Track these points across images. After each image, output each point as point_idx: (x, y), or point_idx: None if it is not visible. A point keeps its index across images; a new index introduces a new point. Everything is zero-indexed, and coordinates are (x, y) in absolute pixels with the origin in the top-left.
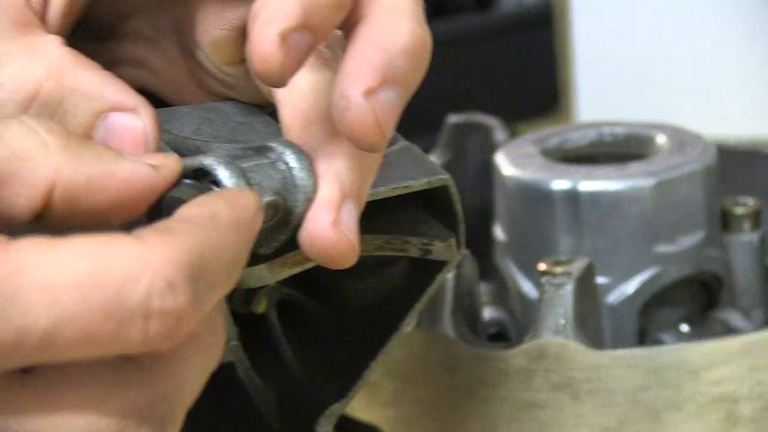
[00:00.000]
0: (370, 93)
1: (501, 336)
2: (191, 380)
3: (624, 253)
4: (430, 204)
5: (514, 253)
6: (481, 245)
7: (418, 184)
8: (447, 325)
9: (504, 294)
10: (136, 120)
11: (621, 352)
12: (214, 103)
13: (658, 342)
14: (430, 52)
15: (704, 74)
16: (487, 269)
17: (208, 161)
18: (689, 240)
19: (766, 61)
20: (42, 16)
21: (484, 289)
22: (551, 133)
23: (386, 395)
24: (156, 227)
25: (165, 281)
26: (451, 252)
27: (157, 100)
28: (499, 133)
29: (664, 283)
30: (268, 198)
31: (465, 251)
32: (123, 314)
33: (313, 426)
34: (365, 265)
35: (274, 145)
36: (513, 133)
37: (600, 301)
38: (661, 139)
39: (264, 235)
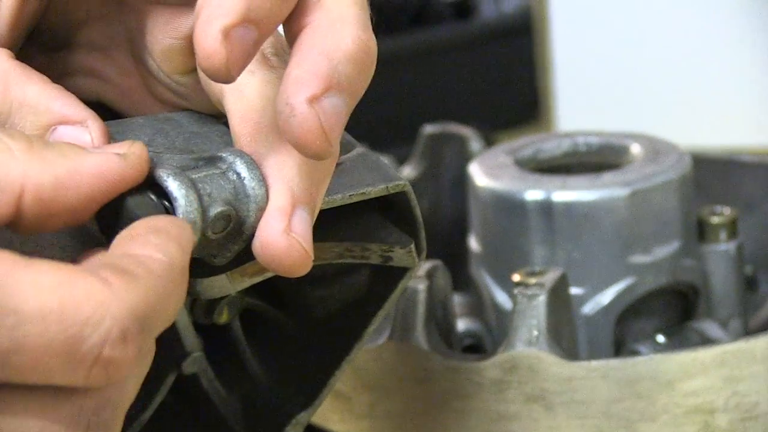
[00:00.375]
0: (313, 100)
1: (476, 347)
2: (130, 387)
3: (599, 263)
4: (389, 210)
5: (489, 264)
6: (457, 256)
7: (375, 190)
8: (420, 336)
9: (479, 305)
10: (84, 133)
11: (595, 363)
12: (169, 114)
13: (635, 353)
14: (375, 58)
15: (684, 84)
16: (464, 280)
17: (158, 173)
18: (665, 250)
19: (744, 71)
20: None
21: (459, 300)
22: (525, 143)
23: (360, 407)
24: (119, 268)
25: (120, 331)
26: (411, 258)
27: (111, 112)
28: (475, 144)
29: (639, 294)
30: (219, 208)
31: (438, 262)
32: (76, 355)
33: None
34: (327, 273)
35: (224, 155)
36: (493, 143)
37: (574, 312)
38: (635, 149)
39: (217, 246)
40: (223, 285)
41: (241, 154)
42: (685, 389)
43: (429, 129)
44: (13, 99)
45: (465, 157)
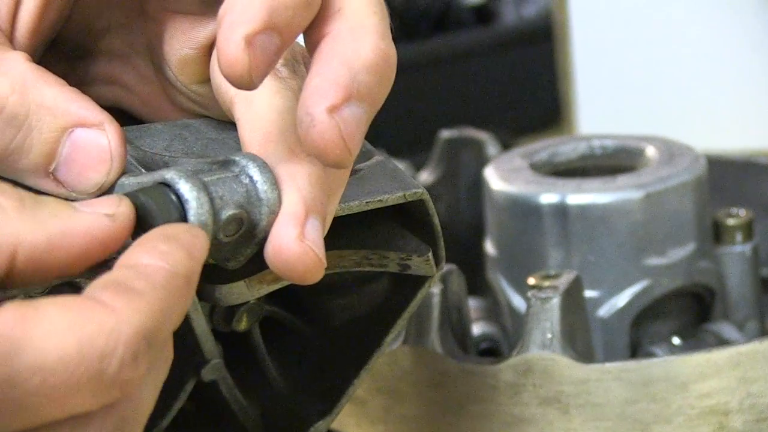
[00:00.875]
0: (334, 109)
1: (493, 351)
2: (147, 398)
3: (614, 266)
4: (408, 219)
5: (504, 267)
6: (474, 260)
7: (392, 198)
8: (434, 340)
9: (496, 309)
10: (101, 136)
11: (609, 366)
12: (187, 120)
13: (651, 355)
14: (395, 67)
15: (704, 87)
16: (481, 284)
17: (169, 175)
18: (680, 252)
19: (762, 75)
20: (9, 35)
21: (476, 304)
22: (541, 146)
23: (375, 412)
24: (122, 286)
25: (132, 354)
26: (429, 266)
27: (131, 118)
28: (492, 148)
29: (655, 296)
30: (231, 211)
31: (452, 266)
32: (100, 386)
33: None
34: (347, 282)
35: (237, 158)
36: (511, 148)
37: (589, 315)
38: (650, 152)
39: (230, 250)
40: (242, 292)
41: (254, 158)
42: (700, 391)
43: (446, 134)
44: (32, 101)
45: (482, 162)
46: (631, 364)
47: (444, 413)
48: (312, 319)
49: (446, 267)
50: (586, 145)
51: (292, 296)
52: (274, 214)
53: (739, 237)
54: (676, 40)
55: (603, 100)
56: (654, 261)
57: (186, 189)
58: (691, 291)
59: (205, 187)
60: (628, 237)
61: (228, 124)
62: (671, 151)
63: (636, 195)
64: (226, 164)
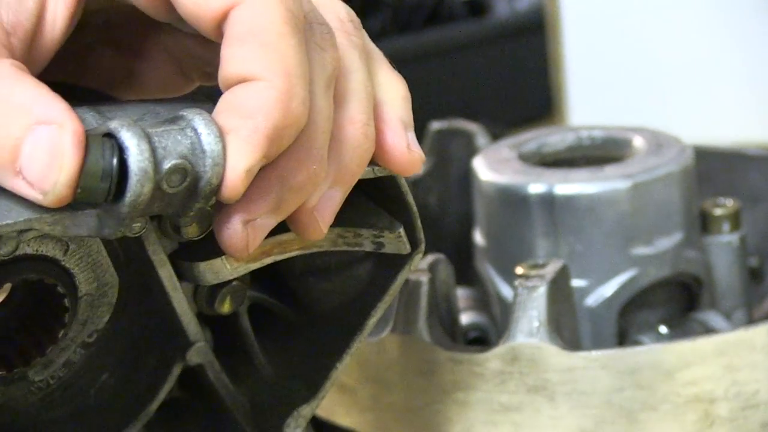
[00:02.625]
0: (248, 223)
1: (482, 340)
2: None
3: (601, 255)
4: (384, 200)
5: (493, 257)
6: (465, 251)
7: (365, 171)
8: (422, 329)
9: (485, 298)
10: (57, 134)
11: (595, 354)
12: (166, 98)
13: (638, 344)
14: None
15: (694, 79)
16: (472, 275)
17: (113, 125)
18: (667, 242)
19: (752, 67)
20: (9, 45)
21: (465, 293)
22: (529, 137)
23: (364, 400)
24: None
25: None
26: (402, 243)
27: None
28: (481, 139)
29: (642, 285)
30: (174, 161)
31: (441, 256)
32: None
33: (282, 428)
34: (330, 266)
35: (185, 113)
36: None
37: (577, 304)
38: (638, 142)
39: (178, 203)
40: (221, 269)
41: (201, 113)
42: (685, 378)
43: (436, 125)
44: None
45: (472, 153)
46: (617, 352)
47: (431, 401)
48: (297, 304)
49: (434, 256)
50: (574, 135)
51: (277, 282)
52: (218, 165)
53: (726, 227)
54: (666, 33)
55: (594, 93)
56: (641, 250)
57: (127, 137)
58: (678, 280)
59: (147, 136)
60: (615, 227)
61: (208, 102)
62: (659, 141)
63: (623, 185)
64: (174, 119)
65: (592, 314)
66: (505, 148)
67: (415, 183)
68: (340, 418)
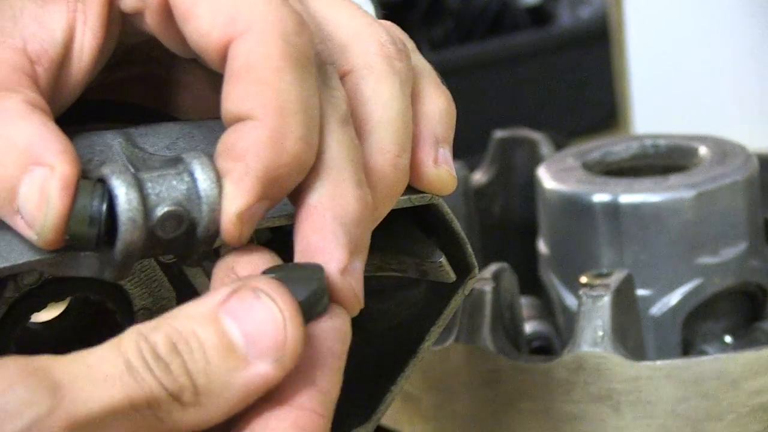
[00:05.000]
0: (345, 271)
1: (545, 350)
2: None
3: (666, 265)
4: (434, 227)
5: (557, 266)
6: (527, 259)
7: (400, 200)
8: (486, 338)
9: (549, 307)
10: (46, 177)
11: (660, 363)
12: (207, 120)
13: (702, 354)
14: (372, 210)
15: (760, 87)
16: (534, 283)
17: (105, 170)
18: (732, 251)
19: None
20: (34, 74)
21: (529, 302)
22: (593, 146)
23: (427, 409)
24: None
25: None
26: (444, 273)
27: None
28: (545, 148)
29: (707, 295)
30: (167, 208)
31: (505, 265)
32: None
33: None
34: (386, 287)
35: (184, 156)
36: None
37: (641, 313)
38: (702, 151)
39: (181, 248)
40: None
41: (199, 156)
42: (751, 388)
43: (500, 134)
44: (1, 135)
45: (535, 162)
46: (682, 362)
47: (496, 411)
48: (354, 325)
49: (498, 265)
50: (639, 144)
51: None
52: (214, 211)
53: None
54: (730, 41)
55: (658, 101)
56: (706, 260)
57: (116, 184)
58: (743, 290)
59: (137, 183)
60: (680, 236)
61: None
62: (723, 150)
63: (688, 194)
64: (173, 162)
65: (657, 324)
66: (570, 157)
67: (478, 191)
68: (404, 427)
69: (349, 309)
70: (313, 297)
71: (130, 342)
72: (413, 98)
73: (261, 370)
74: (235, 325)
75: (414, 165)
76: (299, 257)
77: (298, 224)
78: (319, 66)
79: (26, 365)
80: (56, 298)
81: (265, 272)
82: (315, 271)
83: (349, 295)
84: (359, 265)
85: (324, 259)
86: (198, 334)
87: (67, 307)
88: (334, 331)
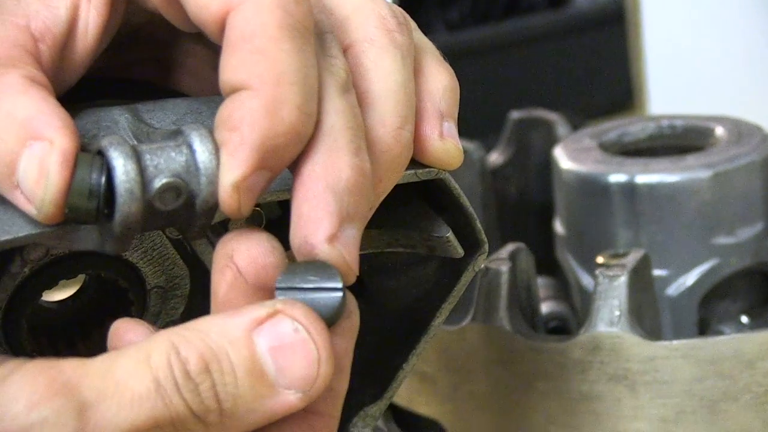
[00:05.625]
0: (333, 239)
1: (562, 330)
2: None
3: (682, 245)
4: (443, 203)
5: (573, 246)
6: (545, 240)
7: (406, 174)
8: (503, 318)
9: (565, 288)
10: (47, 152)
11: (676, 343)
12: (214, 96)
13: (719, 334)
14: (371, 179)
15: None
16: (550, 263)
17: (104, 142)
18: (749, 231)
19: None
20: (36, 51)
21: (545, 283)
22: (610, 126)
23: (444, 389)
24: None
25: None
26: (452, 248)
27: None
28: (561, 128)
29: (723, 275)
30: (165, 179)
31: (521, 245)
32: None
33: (348, 427)
34: (397, 264)
35: (184, 128)
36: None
37: (657, 294)
38: (719, 131)
39: (181, 220)
40: None
41: (198, 128)
42: (767, 368)
43: (516, 114)
44: (2, 111)
45: (552, 142)
46: (699, 342)
47: (512, 391)
48: (367, 301)
49: (515, 245)
50: (655, 125)
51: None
52: (213, 183)
53: None
54: (745, 21)
55: (674, 82)
56: (722, 240)
57: (114, 156)
58: (759, 270)
59: (136, 155)
60: (696, 216)
61: None
62: (740, 130)
63: (704, 174)
64: (173, 135)
65: (673, 304)
66: (586, 138)
67: (495, 172)
68: (420, 407)
69: (342, 277)
70: (336, 314)
71: (161, 355)
72: (416, 75)
73: (288, 399)
74: (269, 354)
75: (419, 139)
76: (293, 228)
77: (293, 194)
78: (318, 35)
79: (54, 380)
80: (67, 276)
81: (280, 282)
82: (332, 275)
83: (339, 263)
84: (352, 233)
85: (312, 228)
86: (230, 356)
87: (81, 286)
88: (348, 330)
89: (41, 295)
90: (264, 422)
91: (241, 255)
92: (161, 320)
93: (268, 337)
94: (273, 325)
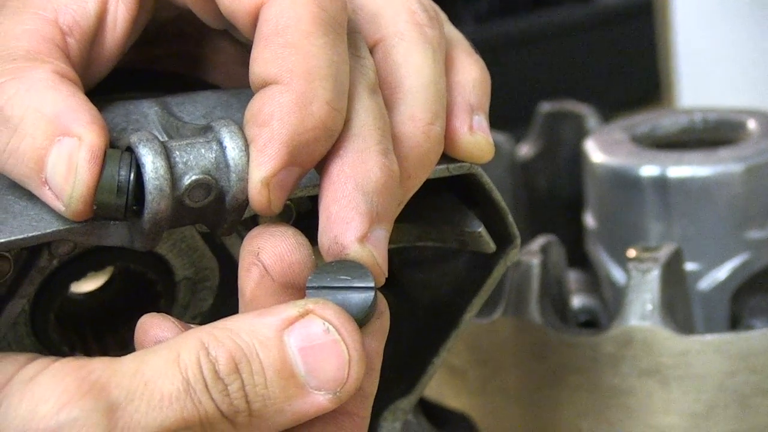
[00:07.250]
0: (363, 239)
1: (592, 323)
2: None
3: (714, 239)
4: (476, 198)
5: (604, 240)
6: (575, 233)
7: (437, 170)
8: (534, 311)
9: (596, 282)
10: (75, 148)
11: (709, 338)
12: (244, 89)
13: (750, 328)
14: (399, 179)
15: None
16: (581, 257)
17: (133, 139)
18: None
19: None
20: (65, 45)
21: (576, 276)
22: (642, 119)
23: (474, 383)
24: None
25: None
26: (484, 242)
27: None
28: (592, 121)
29: (755, 269)
30: (195, 176)
31: (552, 238)
32: None
33: (378, 420)
34: (426, 258)
35: (214, 124)
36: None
37: (689, 287)
38: (752, 125)
39: (209, 215)
40: None
41: (228, 124)
42: None
43: (546, 107)
44: (29, 106)
45: (582, 135)
46: (731, 336)
47: (542, 384)
48: (399, 295)
49: (546, 238)
50: (687, 118)
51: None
52: (243, 180)
53: None
54: None
55: (702, 75)
56: (755, 234)
57: (143, 153)
58: None
59: (165, 152)
60: (728, 210)
61: None
62: None
63: (737, 168)
64: (203, 130)
65: (705, 298)
66: (618, 131)
67: (525, 165)
68: (450, 400)
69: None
70: (367, 313)
71: (190, 355)
72: (447, 68)
73: (318, 400)
74: (299, 354)
75: (449, 133)
76: (322, 227)
77: (321, 193)
78: (349, 33)
79: (84, 380)
80: (95, 268)
81: (311, 281)
82: (363, 274)
83: (370, 263)
84: (382, 234)
85: (343, 228)
86: (260, 357)
87: (109, 278)
88: (379, 330)
89: (69, 288)
90: (293, 423)
91: (267, 253)
92: (190, 312)
93: (299, 338)
94: (304, 325)
